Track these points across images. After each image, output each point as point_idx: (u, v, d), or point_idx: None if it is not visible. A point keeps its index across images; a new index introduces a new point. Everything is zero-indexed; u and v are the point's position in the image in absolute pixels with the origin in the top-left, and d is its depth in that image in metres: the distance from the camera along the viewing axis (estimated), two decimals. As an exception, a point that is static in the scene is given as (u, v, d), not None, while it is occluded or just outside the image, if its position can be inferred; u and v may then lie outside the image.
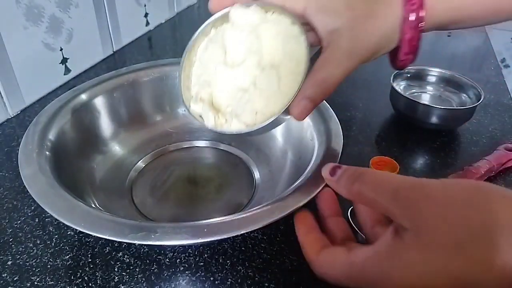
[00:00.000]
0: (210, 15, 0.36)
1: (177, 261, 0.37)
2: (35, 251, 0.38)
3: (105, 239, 0.30)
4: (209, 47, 0.35)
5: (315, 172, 0.36)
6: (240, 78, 0.32)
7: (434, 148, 0.54)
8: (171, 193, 0.45)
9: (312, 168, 0.37)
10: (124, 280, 0.35)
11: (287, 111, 0.30)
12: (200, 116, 0.35)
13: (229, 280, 0.36)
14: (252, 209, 0.32)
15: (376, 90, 0.67)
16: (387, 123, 0.60)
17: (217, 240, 0.30)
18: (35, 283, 0.35)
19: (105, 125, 0.48)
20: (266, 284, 0.35)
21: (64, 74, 0.66)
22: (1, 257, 0.37)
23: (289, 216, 0.31)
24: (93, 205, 0.39)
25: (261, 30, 0.32)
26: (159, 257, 0.38)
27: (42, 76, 0.62)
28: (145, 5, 0.84)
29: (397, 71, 0.61)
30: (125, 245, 0.39)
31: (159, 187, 0.46)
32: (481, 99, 0.54)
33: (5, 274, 0.36)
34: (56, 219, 0.32)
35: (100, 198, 0.41)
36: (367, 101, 0.64)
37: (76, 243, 0.39)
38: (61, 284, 0.35)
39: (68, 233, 0.40)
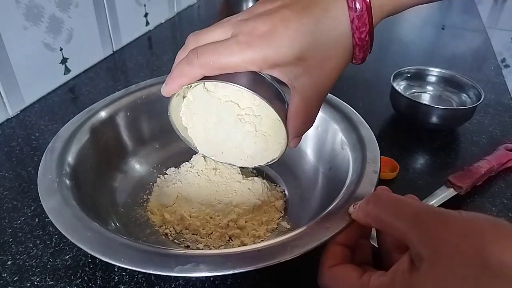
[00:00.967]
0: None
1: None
2: (35, 251, 0.38)
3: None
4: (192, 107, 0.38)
5: (356, 184, 0.35)
6: (228, 133, 0.37)
7: (434, 148, 0.54)
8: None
9: (353, 178, 0.36)
10: (124, 280, 0.35)
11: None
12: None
13: (229, 280, 0.36)
14: (298, 231, 0.30)
15: (376, 90, 0.67)
16: (387, 123, 0.60)
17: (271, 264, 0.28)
18: (35, 283, 0.35)
19: (123, 143, 0.46)
20: None
21: (64, 74, 0.66)
22: (1, 257, 0.37)
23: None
24: (113, 225, 0.38)
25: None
26: (159, 257, 0.38)
27: (42, 76, 0.62)
28: (145, 5, 0.84)
29: (397, 71, 0.61)
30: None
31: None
32: (481, 99, 0.54)
33: (5, 274, 0.36)
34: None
35: (122, 220, 0.40)
36: (367, 101, 0.64)
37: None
38: (61, 284, 0.35)
39: (68, 233, 0.40)
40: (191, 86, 0.34)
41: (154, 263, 0.28)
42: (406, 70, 0.62)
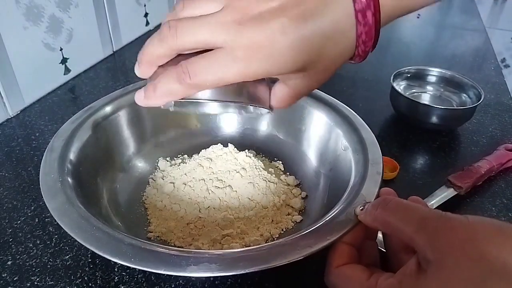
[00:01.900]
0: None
1: (177, 261, 0.37)
2: (35, 251, 0.38)
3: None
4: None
5: (360, 185, 0.35)
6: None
7: (434, 148, 0.54)
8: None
9: (357, 180, 0.36)
10: (124, 280, 0.35)
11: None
12: None
13: (229, 280, 0.36)
14: (307, 231, 0.31)
15: (376, 90, 0.67)
16: (387, 123, 0.60)
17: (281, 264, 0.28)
18: (35, 283, 0.35)
19: (123, 141, 0.46)
20: None
21: (64, 74, 0.66)
22: (1, 257, 0.37)
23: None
24: (117, 225, 0.38)
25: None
26: (159, 257, 0.38)
27: (42, 76, 0.62)
28: (145, 5, 0.84)
29: (397, 71, 0.61)
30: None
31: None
32: (481, 99, 0.54)
33: (5, 274, 0.36)
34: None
35: (124, 220, 0.39)
36: (367, 101, 0.64)
37: (76, 243, 0.39)
38: (61, 284, 0.35)
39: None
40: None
41: (165, 264, 0.28)
42: (406, 70, 0.62)
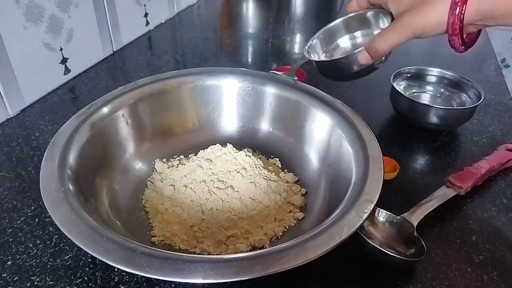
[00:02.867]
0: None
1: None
2: (35, 251, 0.38)
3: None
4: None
5: (362, 182, 0.35)
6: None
7: (434, 148, 0.54)
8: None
9: (359, 176, 0.36)
10: (124, 280, 0.35)
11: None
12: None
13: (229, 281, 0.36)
14: (316, 231, 0.31)
15: (376, 90, 0.67)
16: (387, 123, 0.60)
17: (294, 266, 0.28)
18: (35, 283, 0.35)
19: (122, 142, 0.46)
20: None
21: (64, 74, 0.66)
22: (1, 257, 0.37)
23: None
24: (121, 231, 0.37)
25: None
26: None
27: (42, 76, 0.62)
28: (145, 5, 0.84)
29: (397, 70, 0.61)
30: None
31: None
32: (481, 99, 0.54)
33: (5, 274, 0.36)
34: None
35: (126, 225, 0.39)
36: (367, 101, 0.64)
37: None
38: (61, 284, 0.35)
39: (68, 233, 0.39)
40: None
41: (181, 272, 0.27)
42: (406, 70, 0.62)
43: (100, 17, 0.71)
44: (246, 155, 0.45)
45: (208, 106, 0.51)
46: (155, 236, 0.39)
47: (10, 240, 0.39)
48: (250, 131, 0.52)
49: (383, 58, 0.44)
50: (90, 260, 0.37)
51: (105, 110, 0.44)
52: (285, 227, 0.40)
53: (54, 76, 0.64)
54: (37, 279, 0.35)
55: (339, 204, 0.34)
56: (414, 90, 0.63)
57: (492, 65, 0.78)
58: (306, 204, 0.43)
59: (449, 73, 0.62)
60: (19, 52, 0.56)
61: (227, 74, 0.51)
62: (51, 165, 0.36)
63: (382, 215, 0.41)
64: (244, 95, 0.51)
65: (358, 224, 0.31)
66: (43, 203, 0.33)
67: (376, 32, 0.49)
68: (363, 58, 0.42)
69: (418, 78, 0.63)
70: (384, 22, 0.46)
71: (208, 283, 0.35)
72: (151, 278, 0.36)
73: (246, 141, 0.50)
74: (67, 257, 0.37)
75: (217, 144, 0.47)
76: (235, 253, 0.36)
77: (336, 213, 0.32)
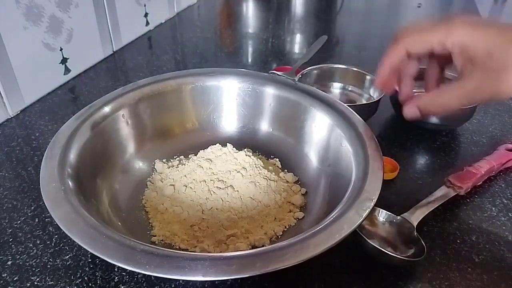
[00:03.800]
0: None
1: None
2: (35, 251, 0.38)
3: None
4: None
5: (362, 181, 0.35)
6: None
7: (434, 148, 0.54)
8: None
9: (359, 175, 0.36)
10: (124, 280, 0.35)
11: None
12: None
13: (229, 280, 0.36)
14: (316, 229, 0.31)
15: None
16: (387, 123, 0.60)
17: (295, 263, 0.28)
18: (35, 283, 0.35)
19: (122, 142, 0.46)
20: None
21: (64, 74, 0.66)
22: (1, 257, 0.37)
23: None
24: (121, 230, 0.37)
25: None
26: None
27: (42, 76, 0.62)
28: (145, 5, 0.84)
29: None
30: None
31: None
32: (481, 99, 0.54)
33: (5, 274, 0.36)
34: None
35: (126, 225, 0.39)
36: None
37: (76, 243, 0.39)
38: (61, 284, 0.35)
39: (68, 233, 0.40)
40: None
41: (181, 269, 0.27)
42: (406, 70, 0.62)
43: (100, 17, 0.71)
44: (246, 155, 0.45)
45: (208, 107, 0.51)
46: (155, 236, 0.39)
47: (10, 240, 0.39)
48: (250, 131, 0.52)
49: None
50: (90, 260, 0.37)
51: (105, 110, 0.44)
52: (285, 227, 0.40)
53: (54, 76, 0.64)
54: (37, 279, 0.35)
55: (339, 203, 0.34)
56: (414, 90, 0.63)
57: (492, 65, 0.78)
58: (306, 204, 0.43)
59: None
60: (19, 52, 0.56)
61: (227, 74, 0.51)
62: (51, 164, 0.36)
63: (382, 215, 0.41)
64: (244, 95, 0.51)
65: (358, 222, 0.31)
66: (43, 203, 0.33)
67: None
68: (410, 113, 0.38)
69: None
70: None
71: (208, 281, 0.35)
72: (151, 277, 0.36)
73: (246, 141, 0.50)
74: (67, 257, 0.37)
75: (217, 144, 0.47)
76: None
77: (336, 211, 0.32)
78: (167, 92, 0.49)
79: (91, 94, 0.64)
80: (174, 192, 0.42)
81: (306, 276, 0.36)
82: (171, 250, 0.29)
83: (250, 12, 1.08)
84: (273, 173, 0.44)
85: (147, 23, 0.87)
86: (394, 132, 0.58)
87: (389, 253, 0.36)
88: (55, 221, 0.31)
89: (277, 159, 0.48)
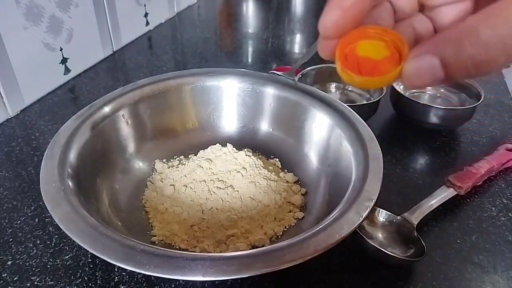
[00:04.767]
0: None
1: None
2: (35, 251, 0.38)
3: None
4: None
5: (362, 180, 0.35)
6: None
7: (434, 148, 0.54)
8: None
9: (359, 175, 0.36)
10: (124, 280, 0.35)
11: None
12: None
13: (229, 280, 0.36)
14: (316, 229, 0.31)
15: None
16: (387, 123, 0.60)
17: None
18: (35, 283, 0.35)
19: (122, 141, 0.46)
20: None
21: (64, 74, 0.66)
22: (1, 257, 0.37)
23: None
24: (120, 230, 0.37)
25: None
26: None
27: (42, 76, 0.62)
28: (145, 5, 0.84)
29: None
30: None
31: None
32: (481, 99, 0.54)
33: (5, 274, 0.36)
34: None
35: (126, 225, 0.39)
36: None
37: (76, 243, 0.39)
38: (61, 284, 0.35)
39: (68, 233, 0.40)
40: None
41: (182, 269, 0.27)
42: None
43: (100, 17, 0.71)
44: (246, 155, 0.45)
45: (208, 107, 0.51)
46: (155, 236, 0.39)
47: (10, 240, 0.39)
48: (250, 131, 0.52)
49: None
50: (90, 260, 0.37)
51: (105, 110, 0.44)
52: (285, 227, 0.40)
53: (54, 76, 0.64)
54: (37, 279, 0.35)
55: (339, 203, 0.34)
56: (414, 90, 0.63)
57: (492, 65, 0.78)
58: (306, 204, 0.43)
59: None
60: (19, 52, 0.56)
61: (227, 74, 0.51)
62: (51, 164, 0.36)
63: (382, 215, 0.41)
64: (244, 95, 0.51)
65: (358, 222, 0.31)
66: (43, 203, 0.33)
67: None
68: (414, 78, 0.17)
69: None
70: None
71: (208, 281, 0.35)
72: (151, 277, 0.36)
73: (246, 141, 0.50)
74: (67, 257, 0.37)
75: (217, 144, 0.47)
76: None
77: (336, 211, 0.32)
78: (167, 92, 0.49)
79: (91, 94, 0.64)
80: (174, 192, 0.42)
81: (306, 276, 0.36)
82: (171, 250, 0.29)
83: (250, 12, 1.08)
84: (273, 173, 0.44)
85: (147, 23, 0.87)
86: (394, 132, 0.58)
87: (389, 253, 0.36)
88: (55, 221, 0.31)
89: (277, 159, 0.48)
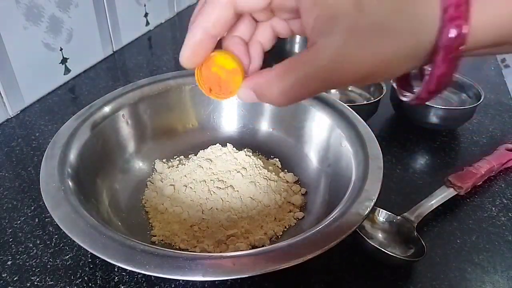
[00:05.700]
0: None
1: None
2: (35, 251, 0.38)
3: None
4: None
5: (362, 181, 0.35)
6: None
7: (434, 148, 0.54)
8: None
9: (359, 175, 0.36)
10: (124, 280, 0.35)
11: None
12: None
13: (229, 280, 0.36)
14: (316, 229, 0.31)
15: (376, 90, 0.67)
16: (387, 123, 0.60)
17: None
18: (35, 283, 0.35)
19: (123, 141, 0.46)
20: None
21: (64, 74, 0.66)
22: (1, 257, 0.37)
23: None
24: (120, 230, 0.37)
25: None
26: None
27: (42, 76, 0.62)
28: (145, 5, 0.84)
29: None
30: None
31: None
32: (481, 99, 0.54)
33: (5, 274, 0.36)
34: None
35: (126, 225, 0.39)
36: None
37: (76, 243, 0.39)
38: (61, 284, 0.35)
39: (68, 233, 0.40)
40: None
41: (181, 269, 0.27)
42: (406, 70, 0.62)
43: (100, 17, 0.71)
44: (246, 155, 0.45)
45: (208, 107, 0.51)
46: (155, 236, 0.39)
47: (10, 240, 0.39)
48: (250, 131, 0.52)
49: None
50: (90, 260, 0.37)
51: (105, 110, 0.44)
52: (285, 227, 0.40)
53: (54, 76, 0.64)
54: (37, 279, 0.35)
55: (339, 203, 0.34)
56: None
57: (492, 65, 0.78)
58: (306, 204, 0.43)
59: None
60: (19, 52, 0.56)
61: None
62: (51, 164, 0.36)
63: (382, 215, 0.41)
64: (244, 95, 0.51)
65: (358, 222, 0.31)
66: (43, 203, 0.33)
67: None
68: (244, 97, 0.24)
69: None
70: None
71: (208, 281, 0.35)
72: (151, 277, 0.36)
73: (246, 141, 0.50)
74: (67, 257, 0.37)
75: (217, 144, 0.47)
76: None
77: (336, 211, 0.32)
78: (167, 92, 0.49)
79: (91, 94, 0.64)
80: (174, 192, 0.42)
81: (306, 276, 0.36)
82: (171, 250, 0.29)
83: (250, 12, 1.08)
84: (273, 173, 0.44)
85: (147, 23, 0.87)
86: (394, 132, 0.58)
87: (389, 253, 0.36)
88: (55, 221, 0.31)
89: (277, 159, 0.48)
